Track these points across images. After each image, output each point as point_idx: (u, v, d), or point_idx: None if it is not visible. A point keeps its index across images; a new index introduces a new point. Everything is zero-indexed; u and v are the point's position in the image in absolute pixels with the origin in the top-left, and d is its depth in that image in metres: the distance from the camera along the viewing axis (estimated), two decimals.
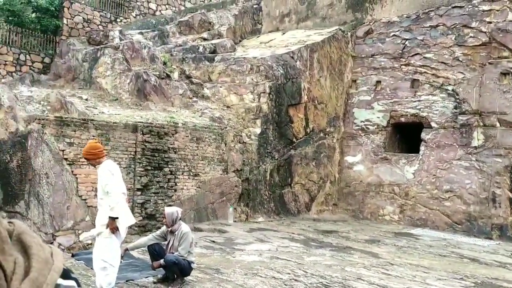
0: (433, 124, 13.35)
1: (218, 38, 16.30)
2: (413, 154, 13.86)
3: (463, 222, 12.55)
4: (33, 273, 0.65)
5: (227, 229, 10.14)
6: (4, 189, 7.47)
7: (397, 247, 9.63)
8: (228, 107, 12.83)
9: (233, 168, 11.52)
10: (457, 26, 13.20)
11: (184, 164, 10.36)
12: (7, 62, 13.83)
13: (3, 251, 0.65)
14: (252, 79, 12.85)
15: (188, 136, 10.48)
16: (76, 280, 0.76)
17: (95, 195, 8.71)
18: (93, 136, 8.61)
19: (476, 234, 12.11)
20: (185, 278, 5.96)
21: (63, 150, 8.23)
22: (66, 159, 8.25)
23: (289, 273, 6.66)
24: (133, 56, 12.96)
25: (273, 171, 12.62)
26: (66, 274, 0.73)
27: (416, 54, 13.91)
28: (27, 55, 14.47)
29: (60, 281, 0.70)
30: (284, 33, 16.69)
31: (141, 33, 16.01)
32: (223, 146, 11.33)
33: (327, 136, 14.58)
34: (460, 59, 13.07)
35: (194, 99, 12.57)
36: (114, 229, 5.26)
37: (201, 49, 15.05)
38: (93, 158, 5.39)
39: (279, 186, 12.80)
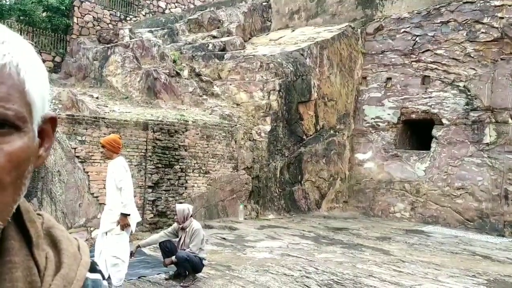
0: (444, 121, 13.26)
1: (228, 35, 16.30)
2: (424, 151, 13.77)
3: (475, 219, 12.45)
4: (64, 269, 0.65)
5: (238, 226, 10.16)
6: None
7: (408, 244, 9.58)
8: (238, 104, 12.84)
9: (243, 165, 11.53)
10: (469, 22, 13.08)
11: (195, 162, 10.39)
12: None
13: (38, 246, 0.65)
14: (262, 76, 12.84)
15: (198, 133, 10.51)
16: (101, 272, 0.76)
17: (106, 192, 8.78)
18: (105, 134, 8.66)
19: (488, 231, 12.01)
20: (196, 274, 5.98)
21: (75, 148, 8.29)
22: (78, 157, 8.32)
23: (300, 270, 6.66)
24: (143, 54, 13.02)
25: (283, 169, 12.61)
26: (92, 267, 0.73)
27: (427, 51, 13.81)
28: (39, 54, 14.57)
29: (88, 274, 0.70)
30: (293, 30, 16.65)
31: (151, 32, 16.07)
32: (233, 144, 11.34)
33: (337, 133, 14.53)
34: (472, 55, 12.95)
35: (204, 96, 12.59)
36: (125, 226, 5.29)
37: (210, 46, 15.07)
38: (111, 150, 5.39)
39: (289, 183, 12.79)
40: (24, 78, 0.60)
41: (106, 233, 5.40)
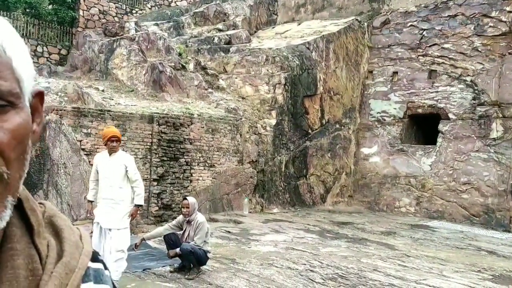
0: (450, 116, 13.18)
1: (233, 29, 16.25)
2: (430, 146, 13.70)
3: (480, 214, 12.40)
4: (66, 257, 0.65)
5: (243, 220, 10.17)
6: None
7: (413, 239, 9.56)
8: (243, 98, 12.81)
9: (248, 159, 11.53)
10: (476, 16, 12.96)
11: (200, 155, 10.40)
12: None
13: (39, 234, 0.65)
14: (268, 70, 12.80)
15: (203, 127, 10.50)
16: (103, 262, 0.76)
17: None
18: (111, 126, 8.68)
19: (494, 226, 11.96)
20: (201, 267, 6.00)
21: (80, 141, 8.31)
22: (83, 149, 8.34)
23: (305, 264, 6.66)
24: (148, 47, 13.01)
25: (288, 163, 12.59)
26: (94, 257, 0.73)
27: (434, 45, 13.71)
28: (44, 47, 14.61)
29: (89, 263, 0.70)
30: (299, 24, 16.58)
31: (157, 25, 16.04)
32: (238, 137, 11.33)
33: (342, 127, 14.49)
34: (479, 49, 12.84)
35: (210, 90, 12.57)
36: (136, 216, 5.39)
37: (216, 40, 15.03)
38: (119, 142, 5.31)
39: (294, 177, 12.78)
40: (10, 55, 0.61)
41: (110, 229, 5.29)
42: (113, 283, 0.77)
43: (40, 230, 0.65)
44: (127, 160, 5.32)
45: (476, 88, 12.81)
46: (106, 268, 0.76)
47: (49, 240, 0.66)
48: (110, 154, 5.30)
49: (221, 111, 11.54)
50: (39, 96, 0.68)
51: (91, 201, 5.54)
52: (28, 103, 0.64)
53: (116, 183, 5.26)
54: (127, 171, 5.30)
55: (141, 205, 5.48)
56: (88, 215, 5.55)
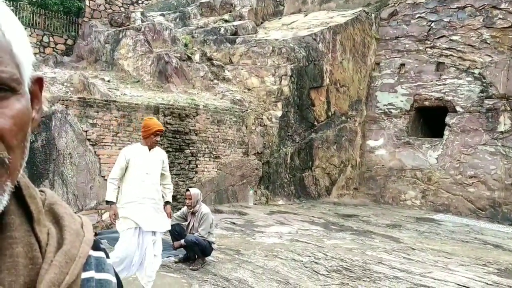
0: (458, 108, 13.08)
1: (240, 19, 16.17)
2: (436, 139, 13.63)
3: (487, 208, 12.34)
4: (66, 246, 0.64)
5: (247, 211, 10.17)
6: (29, 168, 7.61)
7: (418, 232, 9.53)
8: (249, 89, 12.77)
9: (254, 151, 11.51)
10: (486, 8, 12.80)
11: (205, 146, 10.39)
12: (30, 44, 13.98)
13: (39, 222, 0.64)
14: (274, 61, 12.74)
15: (209, 118, 10.49)
16: (105, 251, 0.76)
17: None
18: (116, 117, 8.69)
19: (500, 220, 11.90)
20: (206, 258, 6.01)
21: (86, 131, 8.32)
22: (89, 139, 8.35)
23: (309, 256, 6.66)
24: (154, 38, 12.97)
25: (294, 155, 12.56)
26: (95, 245, 0.73)
27: (442, 37, 13.57)
28: (50, 37, 14.61)
29: (91, 252, 0.70)
30: (306, 15, 16.46)
31: (163, 15, 15.99)
32: (244, 129, 11.30)
33: (349, 119, 14.42)
34: (488, 42, 12.70)
35: (215, 81, 12.53)
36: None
37: (222, 31, 14.96)
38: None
39: (299, 169, 12.76)
40: (9, 39, 0.59)
41: (154, 232, 4.72)
42: (115, 272, 0.76)
43: (40, 218, 0.65)
44: (164, 155, 4.91)
45: (484, 81, 12.69)
46: (108, 257, 0.76)
47: (49, 228, 0.65)
48: (149, 149, 4.72)
49: (226, 103, 11.51)
50: (38, 82, 0.66)
51: (114, 203, 4.68)
52: (28, 89, 0.63)
53: (157, 180, 4.77)
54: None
55: (170, 203, 5.06)
56: (113, 220, 4.67)
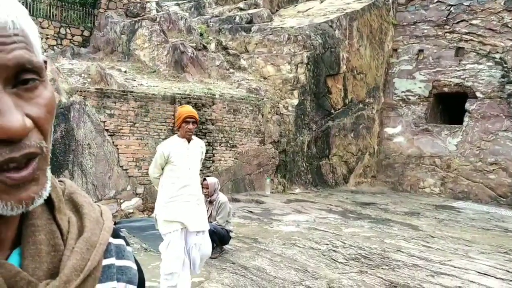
0: (478, 94, 12.83)
1: (255, 7, 16.06)
2: (456, 125, 13.41)
3: (508, 195, 12.14)
4: (87, 233, 0.66)
5: (265, 200, 10.19)
6: (50, 159, 7.71)
7: (437, 220, 9.43)
8: (265, 78, 12.71)
9: (270, 139, 11.49)
10: None
11: (222, 136, 10.40)
12: (48, 36, 14.11)
13: (59, 210, 0.66)
14: (290, 49, 12.64)
15: (225, 107, 10.48)
16: (124, 238, 0.77)
17: (136, 165, 8.92)
18: (133, 107, 8.74)
19: None
20: (224, 246, 6.04)
21: (104, 122, 8.39)
22: (107, 130, 8.42)
23: (327, 244, 6.64)
24: (170, 27, 12.96)
25: (311, 143, 12.51)
26: (115, 233, 0.74)
27: (461, 21, 13.29)
28: (67, 29, 14.70)
29: (111, 239, 0.71)
30: (322, 1, 16.25)
31: (178, 4, 15.97)
32: (260, 118, 11.28)
33: (366, 107, 14.28)
34: (509, 25, 12.39)
35: (231, 70, 12.50)
36: None
37: (237, 19, 14.87)
38: (196, 125, 4.29)
39: (316, 157, 12.70)
40: (24, 28, 0.59)
41: (201, 232, 4.36)
42: (135, 260, 0.76)
43: (60, 206, 0.66)
44: (203, 145, 4.48)
45: (505, 65, 12.41)
46: (128, 244, 0.77)
47: (69, 216, 0.67)
48: (188, 141, 4.28)
49: (242, 91, 11.48)
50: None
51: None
52: None
53: (197, 175, 4.39)
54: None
55: None
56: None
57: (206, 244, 4.35)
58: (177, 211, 4.14)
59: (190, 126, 4.18)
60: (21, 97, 0.57)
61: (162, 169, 4.27)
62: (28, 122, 0.56)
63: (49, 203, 0.65)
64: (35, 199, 0.58)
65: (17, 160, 0.56)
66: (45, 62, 0.67)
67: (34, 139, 0.57)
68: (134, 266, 0.75)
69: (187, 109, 4.27)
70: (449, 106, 14.22)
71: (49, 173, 0.61)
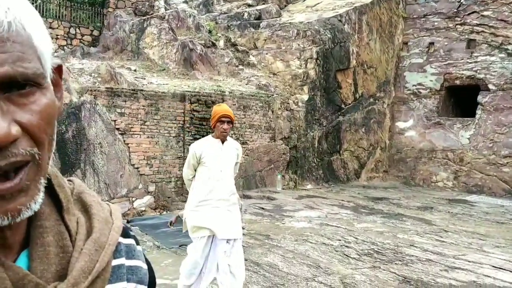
0: (490, 87, 12.67)
1: (263, 3, 16.00)
2: (468, 118, 13.27)
3: None
4: (95, 233, 0.65)
5: (276, 196, 10.18)
6: (62, 158, 7.77)
7: (451, 214, 9.35)
8: (274, 74, 12.67)
9: (281, 135, 11.46)
10: None
11: (232, 132, 10.39)
12: (58, 36, 14.21)
13: (68, 211, 0.65)
14: (299, 44, 12.58)
15: (235, 104, 10.47)
16: (135, 237, 0.77)
17: (147, 163, 8.96)
18: (143, 106, 8.77)
19: None
20: None
21: (114, 120, 8.43)
22: (118, 129, 8.46)
23: (340, 240, 6.62)
24: (178, 25, 12.97)
25: (321, 138, 12.45)
26: (125, 232, 0.74)
27: (472, 13, 13.12)
28: (77, 29, 14.80)
29: (120, 239, 0.71)
30: None
31: (186, 2, 15.97)
32: (270, 114, 11.25)
33: (377, 101, 14.17)
34: None
35: (240, 67, 12.48)
36: None
37: (246, 15, 14.84)
38: (231, 125, 4.09)
39: (327, 153, 12.65)
40: (30, 32, 0.57)
41: (233, 240, 4.03)
42: (146, 259, 0.75)
43: (69, 207, 0.65)
44: (238, 147, 4.27)
45: None
46: (138, 243, 0.76)
47: (78, 216, 0.66)
48: (222, 142, 4.08)
49: (252, 88, 11.46)
50: (58, 70, 0.65)
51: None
52: (50, 79, 0.62)
53: (231, 178, 4.14)
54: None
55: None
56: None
57: (236, 253, 4.03)
58: (206, 216, 3.96)
59: (225, 126, 3.98)
60: (13, 102, 0.55)
61: (195, 170, 4.10)
62: (15, 130, 0.53)
63: (57, 203, 0.65)
64: (22, 211, 0.55)
65: (2, 169, 0.53)
66: (59, 66, 0.65)
67: (23, 147, 0.55)
68: (144, 266, 0.74)
69: (222, 108, 4.07)
70: (461, 99, 14.07)
71: (42, 184, 0.59)
